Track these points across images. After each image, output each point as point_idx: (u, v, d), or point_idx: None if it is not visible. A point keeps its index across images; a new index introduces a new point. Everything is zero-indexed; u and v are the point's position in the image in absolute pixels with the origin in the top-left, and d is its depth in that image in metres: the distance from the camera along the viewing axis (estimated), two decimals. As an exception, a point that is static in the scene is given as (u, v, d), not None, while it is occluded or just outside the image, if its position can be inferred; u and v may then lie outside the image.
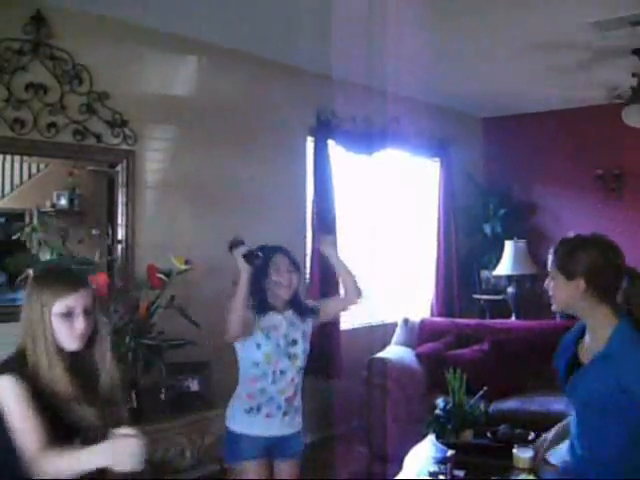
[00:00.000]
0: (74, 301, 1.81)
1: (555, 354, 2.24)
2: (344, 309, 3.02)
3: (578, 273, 1.99)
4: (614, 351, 1.93)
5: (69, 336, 1.81)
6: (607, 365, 1.94)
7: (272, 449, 2.69)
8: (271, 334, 2.64)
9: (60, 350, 1.80)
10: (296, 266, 2.75)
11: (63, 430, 1.73)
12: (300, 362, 2.71)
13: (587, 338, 2.09)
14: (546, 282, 2.13)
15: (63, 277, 1.88)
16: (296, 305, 2.76)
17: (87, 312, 1.84)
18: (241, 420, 2.65)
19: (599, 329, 2.01)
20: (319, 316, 2.84)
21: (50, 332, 1.78)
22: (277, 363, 2.63)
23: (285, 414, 2.67)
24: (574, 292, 2.00)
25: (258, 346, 2.63)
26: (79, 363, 1.85)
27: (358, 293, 2.86)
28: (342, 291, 2.90)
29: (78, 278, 1.90)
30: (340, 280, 2.89)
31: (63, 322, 1.80)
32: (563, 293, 2.05)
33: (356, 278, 2.83)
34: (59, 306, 1.79)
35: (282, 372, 2.64)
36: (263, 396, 2.63)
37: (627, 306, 1.99)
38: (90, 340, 1.88)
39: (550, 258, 2.11)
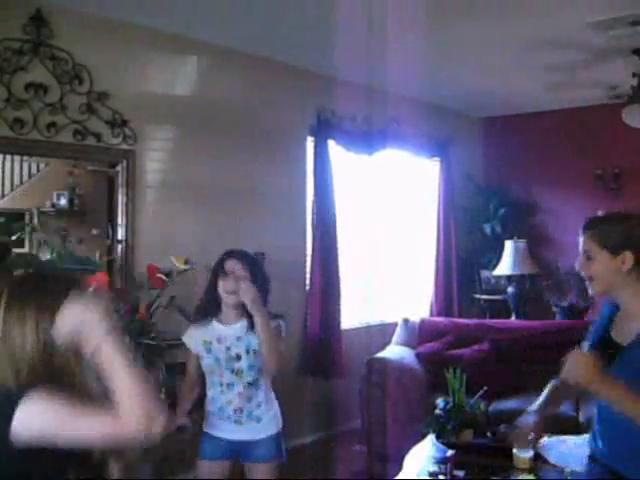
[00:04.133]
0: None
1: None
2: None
3: (624, 247, 1.90)
4: None
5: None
6: None
7: (240, 452, 2.66)
8: (212, 347, 2.58)
9: None
10: (252, 272, 2.55)
11: None
12: (247, 377, 2.56)
13: (624, 318, 2.01)
14: (579, 265, 2.02)
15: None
16: (248, 315, 2.54)
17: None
18: (207, 419, 2.67)
19: None
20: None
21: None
22: (221, 376, 2.58)
23: (237, 422, 2.59)
24: (619, 267, 1.91)
25: (201, 358, 2.62)
26: None
27: (275, 366, 2.53)
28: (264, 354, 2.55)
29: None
30: (260, 342, 2.52)
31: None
32: (607, 271, 1.94)
33: (276, 349, 2.50)
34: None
35: (229, 385, 2.57)
36: (214, 404, 2.62)
37: None
38: None
39: (582, 238, 2.00)
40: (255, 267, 2.61)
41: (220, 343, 2.58)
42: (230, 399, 2.58)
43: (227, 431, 2.62)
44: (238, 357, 2.56)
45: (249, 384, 2.57)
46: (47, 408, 1.39)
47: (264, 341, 2.49)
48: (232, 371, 2.56)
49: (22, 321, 1.46)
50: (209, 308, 2.63)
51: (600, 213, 2.08)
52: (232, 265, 2.56)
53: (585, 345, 1.93)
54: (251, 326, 2.54)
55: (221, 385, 2.58)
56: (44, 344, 1.46)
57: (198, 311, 2.69)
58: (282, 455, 2.69)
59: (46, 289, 1.53)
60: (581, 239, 2.00)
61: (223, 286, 2.56)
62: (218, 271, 2.58)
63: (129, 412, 1.37)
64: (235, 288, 2.51)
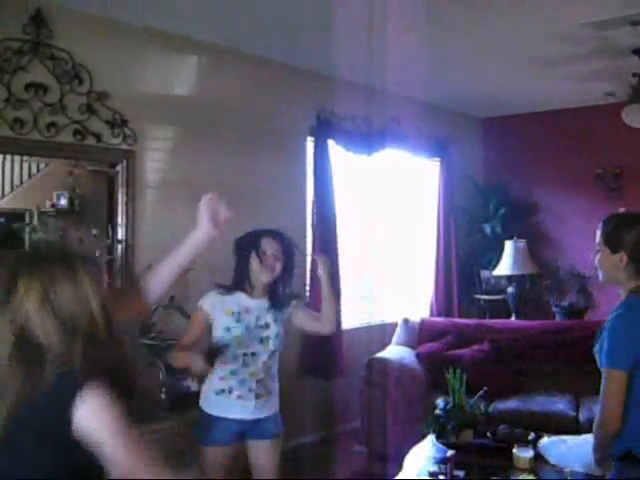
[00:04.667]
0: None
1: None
2: (311, 331, 2.90)
3: (621, 247, 2.14)
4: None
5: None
6: None
7: (246, 432, 2.67)
8: (242, 317, 2.62)
9: None
10: (286, 253, 2.69)
11: None
12: (272, 345, 2.66)
13: None
14: (593, 256, 2.27)
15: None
16: (274, 294, 2.71)
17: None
18: (214, 402, 2.63)
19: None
20: (291, 312, 2.76)
21: None
22: (248, 346, 2.61)
23: (258, 396, 2.63)
24: (618, 264, 2.15)
25: (227, 330, 2.61)
26: None
27: (332, 326, 2.80)
28: (322, 315, 2.79)
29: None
30: (323, 304, 2.77)
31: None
32: (609, 265, 2.19)
33: (336, 311, 2.74)
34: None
35: (253, 354, 2.61)
36: (234, 378, 2.60)
37: None
38: None
39: (598, 233, 2.23)
40: (291, 247, 2.72)
41: (249, 313, 2.63)
42: (254, 370, 2.61)
43: (243, 409, 2.61)
44: (267, 325, 2.64)
45: (272, 353, 2.66)
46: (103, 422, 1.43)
47: (329, 301, 2.73)
48: (260, 340, 2.62)
49: (73, 281, 1.49)
50: (240, 281, 2.67)
51: (621, 210, 2.24)
52: (271, 244, 2.65)
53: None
54: (275, 302, 2.68)
55: (245, 356, 2.59)
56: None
57: (232, 284, 2.69)
58: (282, 431, 2.77)
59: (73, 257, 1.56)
60: (597, 233, 2.24)
61: (263, 264, 2.62)
62: (253, 249, 2.64)
63: None
64: (274, 266, 2.63)
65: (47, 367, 1.43)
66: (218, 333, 2.63)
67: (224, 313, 2.63)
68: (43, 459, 1.44)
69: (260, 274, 2.64)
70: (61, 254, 1.59)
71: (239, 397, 2.61)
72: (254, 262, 2.64)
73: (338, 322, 2.84)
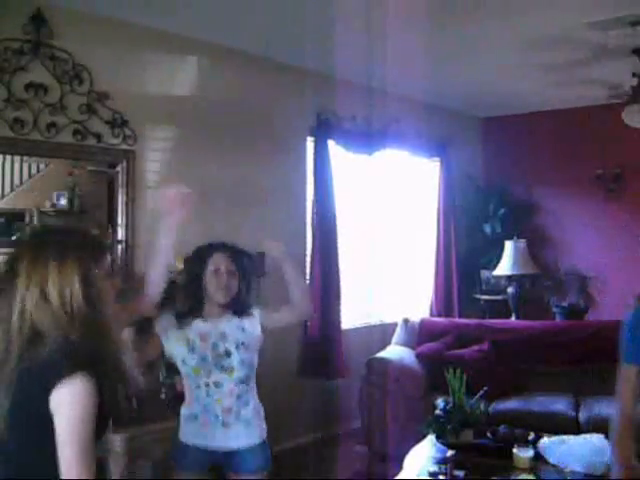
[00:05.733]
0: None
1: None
2: (289, 322, 2.55)
3: None
4: None
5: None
6: None
7: (222, 464, 2.42)
8: (197, 346, 2.35)
9: None
10: (242, 267, 2.44)
11: None
12: (239, 373, 2.37)
13: None
14: None
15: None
16: (235, 308, 2.43)
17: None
18: (182, 427, 2.42)
19: None
20: (259, 321, 2.46)
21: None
22: (209, 376, 2.35)
23: (225, 425, 2.36)
24: None
25: (183, 361, 2.37)
26: None
27: (307, 309, 2.57)
28: (292, 300, 2.48)
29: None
30: (289, 289, 2.47)
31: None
32: None
33: (307, 291, 2.44)
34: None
35: (216, 384, 2.35)
36: (198, 404, 2.37)
37: None
38: None
39: None
40: (246, 258, 2.48)
41: (204, 341, 2.36)
42: (219, 397, 2.35)
43: (211, 438, 2.37)
44: (228, 353, 2.36)
45: (240, 381, 2.38)
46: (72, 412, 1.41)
47: (297, 285, 2.48)
48: (222, 369, 2.36)
49: (62, 268, 1.50)
50: (193, 306, 2.40)
51: None
52: (223, 260, 2.40)
53: None
54: (237, 315, 2.42)
55: (207, 386, 2.35)
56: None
57: (185, 312, 2.42)
58: (269, 464, 2.47)
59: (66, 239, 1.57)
60: None
61: (215, 283, 2.37)
62: (203, 267, 2.39)
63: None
64: (227, 283, 2.38)
65: (40, 348, 1.45)
66: (176, 361, 2.42)
67: (177, 342, 2.38)
68: (21, 435, 1.46)
69: (215, 295, 2.38)
70: (55, 240, 1.58)
71: (203, 425, 2.37)
72: (207, 282, 2.38)
73: (309, 304, 2.56)
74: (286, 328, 2.58)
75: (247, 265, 2.48)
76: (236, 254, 2.45)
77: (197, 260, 2.44)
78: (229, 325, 2.40)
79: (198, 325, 2.38)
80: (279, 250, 2.50)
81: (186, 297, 2.43)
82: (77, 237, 1.63)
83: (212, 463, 2.42)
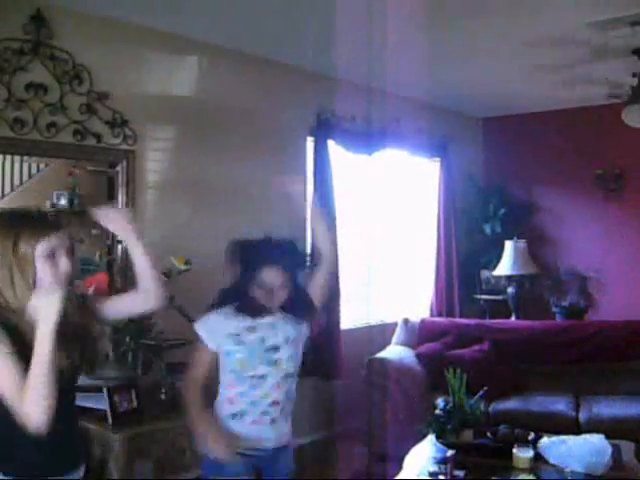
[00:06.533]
0: (57, 241, 1.72)
1: None
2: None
3: None
4: None
5: (53, 277, 1.70)
6: None
7: (262, 467, 2.35)
8: (244, 339, 2.28)
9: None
10: (291, 278, 2.29)
11: None
12: (287, 368, 2.34)
13: None
14: None
15: (39, 218, 1.77)
16: (289, 309, 2.34)
17: (69, 253, 1.74)
18: (225, 427, 2.28)
19: None
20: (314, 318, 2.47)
21: (32, 274, 1.69)
22: (255, 369, 2.28)
23: (274, 421, 2.31)
24: None
25: (228, 354, 2.29)
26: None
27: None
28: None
29: (55, 218, 1.81)
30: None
31: (47, 263, 1.70)
32: None
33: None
34: (42, 247, 1.69)
35: (262, 377, 2.28)
36: (244, 400, 2.28)
37: None
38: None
39: None
40: (295, 266, 2.33)
41: (251, 333, 2.29)
42: (267, 391, 2.28)
43: (257, 437, 2.28)
44: (276, 348, 2.31)
45: (287, 376, 2.34)
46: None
47: (325, 236, 2.46)
48: (269, 363, 2.29)
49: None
50: (243, 305, 2.29)
51: None
52: (274, 276, 2.25)
53: None
54: (287, 312, 2.33)
55: (252, 378, 2.27)
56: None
57: (223, 302, 2.33)
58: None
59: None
60: None
61: (264, 296, 2.26)
62: (250, 281, 2.25)
63: None
64: (277, 296, 2.27)
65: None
66: (221, 358, 2.32)
67: (223, 335, 2.30)
68: None
69: (265, 302, 2.28)
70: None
71: (253, 422, 2.28)
72: (255, 293, 2.27)
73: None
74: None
75: (298, 269, 2.35)
76: (287, 265, 2.27)
77: (244, 270, 2.27)
78: (278, 319, 2.34)
79: (246, 318, 2.30)
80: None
81: (231, 295, 2.33)
82: (14, 215, 1.77)
83: (253, 467, 2.32)
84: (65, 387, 1.71)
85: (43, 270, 1.69)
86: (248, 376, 2.28)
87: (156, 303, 2.01)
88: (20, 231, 1.69)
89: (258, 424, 2.29)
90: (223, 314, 2.32)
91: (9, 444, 1.71)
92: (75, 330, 1.77)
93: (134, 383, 3.20)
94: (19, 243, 1.68)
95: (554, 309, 5.54)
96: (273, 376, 2.31)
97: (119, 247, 3.69)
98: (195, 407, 2.25)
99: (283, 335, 2.34)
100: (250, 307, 2.29)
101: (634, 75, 4.40)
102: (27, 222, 1.72)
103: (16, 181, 3.49)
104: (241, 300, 2.30)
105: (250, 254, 2.27)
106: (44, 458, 1.73)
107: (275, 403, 2.31)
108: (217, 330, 2.31)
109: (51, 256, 1.70)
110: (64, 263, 1.72)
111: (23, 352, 1.62)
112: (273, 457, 2.34)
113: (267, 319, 2.32)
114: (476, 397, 3.23)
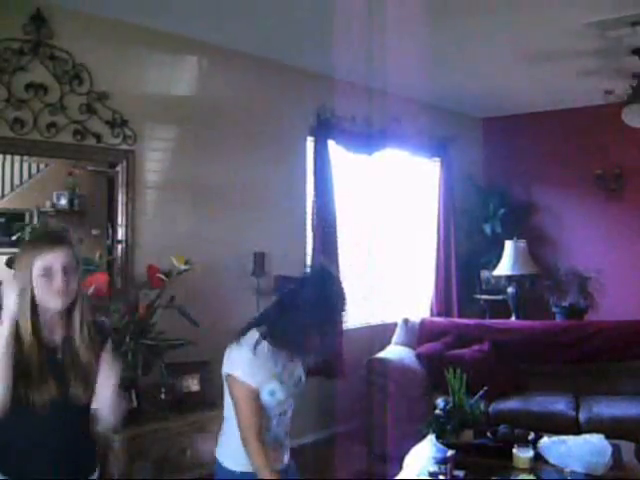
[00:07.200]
0: (52, 259, 1.77)
1: None
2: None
3: None
4: None
5: (49, 294, 1.77)
6: None
7: None
8: (283, 377, 2.22)
9: (35, 311, 1.78)
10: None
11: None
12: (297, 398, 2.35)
13: None
14: None
15: (42, 236, 1.95)
16: None
17: (66, 271, 1.78)
18: (243, 456, 2.16)
19: None
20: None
21: (29, 291, 1.76)
22: (283, 405, 2.25)
23: (284, 446, 2.32)
24: None
25: (272, 393, 2.18)
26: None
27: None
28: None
29: (57, 237, 1.87)
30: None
31: (43, 280, 1.76)
32: None
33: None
34: (39, 264, 1.76)
35: (285, 412, 2.27)
36: (266, 434, 2.21)
37: None
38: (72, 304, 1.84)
39: None
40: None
41: (287, 370, 2.25)
42: (287, 423, 2.31)
43: (273, 462, 2.20)
44: (300, 379, 2.31)
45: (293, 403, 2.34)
46: None
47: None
48: (293, 396, 2.29)
49: None
50: (285, 345, 2.19)
51: None
52: (323, 342, 2.20)
53: None
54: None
55: (279, 416, 2.25)
56: None
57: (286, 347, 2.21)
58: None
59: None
60: None
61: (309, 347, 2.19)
62: (308, 344, 2.17)
63: None
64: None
65: None
66: (262, 396, 2.19)
67: (269, 376, 2.18)
68: None
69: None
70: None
71: (273, 450, 2.23)
72: (305, 342, 2.17)
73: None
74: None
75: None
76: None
77: (307, 329, 2.14)
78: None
79: (287, 357, 2.24)
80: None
81: (281, 336, 2.18)
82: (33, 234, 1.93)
83: None
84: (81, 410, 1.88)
85: (39, 287, 1.78)
86: (277, 413, 2.24)
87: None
88: (24, 250, 1.86)
89: (273, 452, 2.23)
90: (264, 352, 2.18)
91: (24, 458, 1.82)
92: (83, 368, 1.86)
93: (134, 383, 3.20)
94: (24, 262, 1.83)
95: (554, 309, 5.54)
96: (291, 408, 2.31)
97: (119, 247, 3.70)
98: (262, 456, 2.14)
99: (302, 365, 2.34)
100: (298, 348, 2.21)
101: (634, 75, 4.40)
102: (30, 241, 1.93)
103: (16, 181, 3.49)
104: (292, 341, 2.18)
105: (333, 307, 2.18)
106: (59, 469, 1.85)
107: (288, 432, 2.33)
108: (262, 372, 2.18)
109: (47, 274, 1.77)
110: (58, 280, 1.77)
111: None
112: (284, 472, 2.29)
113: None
114: (476, 397, 3.23)
